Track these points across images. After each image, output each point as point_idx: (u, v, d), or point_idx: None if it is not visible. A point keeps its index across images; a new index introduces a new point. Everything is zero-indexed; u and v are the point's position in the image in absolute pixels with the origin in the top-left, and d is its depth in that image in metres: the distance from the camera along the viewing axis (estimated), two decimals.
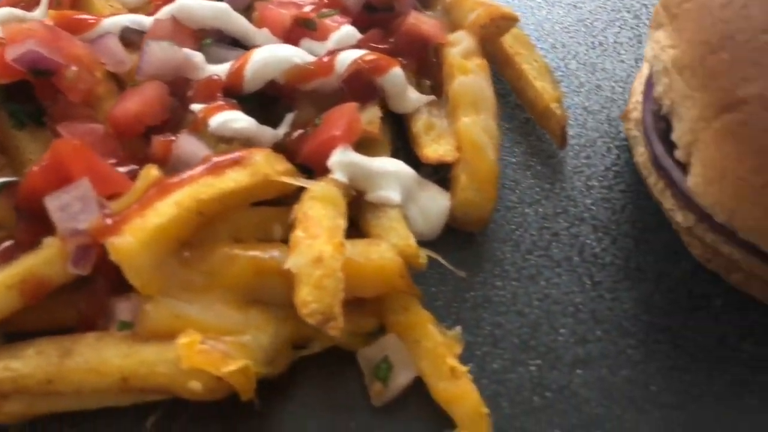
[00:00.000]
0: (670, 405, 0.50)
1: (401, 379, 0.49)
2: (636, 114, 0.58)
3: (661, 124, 0.53)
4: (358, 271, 0.48)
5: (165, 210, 0.46)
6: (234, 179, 0.49)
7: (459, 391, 0.47)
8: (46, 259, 0.46)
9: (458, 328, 0.51)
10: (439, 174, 0.59)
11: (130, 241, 0.44)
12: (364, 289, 0.49)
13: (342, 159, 0.53)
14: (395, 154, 0.59)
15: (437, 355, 0.49)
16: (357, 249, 0.49)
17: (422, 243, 0.55)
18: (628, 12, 0.75)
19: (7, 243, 0.49)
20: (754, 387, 0.50)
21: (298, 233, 0.48)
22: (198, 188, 0.47)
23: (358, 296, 0.50)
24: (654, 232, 0.58)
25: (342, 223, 0.49)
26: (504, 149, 0.64)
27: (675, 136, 0.50)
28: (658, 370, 0.51)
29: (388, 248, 0.49)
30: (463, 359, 0.51)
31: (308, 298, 0.44)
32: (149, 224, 0.45)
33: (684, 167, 0.51)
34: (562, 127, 0.62)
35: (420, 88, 0.62)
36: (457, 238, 0.58)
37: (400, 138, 0.61)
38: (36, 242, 0.47)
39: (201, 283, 0.48)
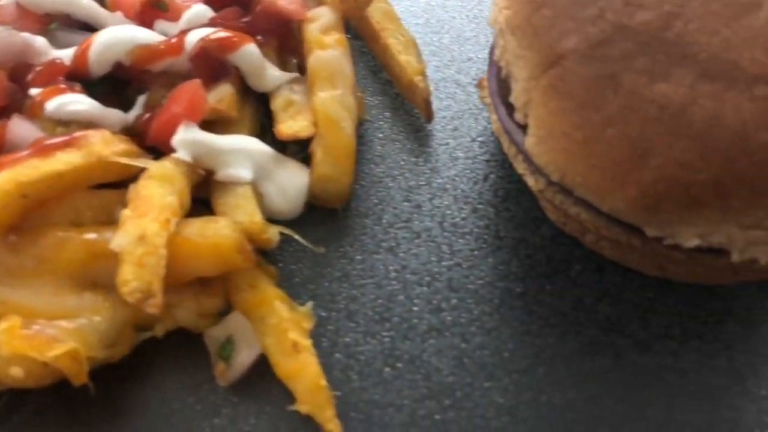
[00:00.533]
0: (520, 370, 0.49)
1: (244, 357, 0.48)
2: (489, 83, 0.57)
3: (503, 87, 0.53)
4: (194, 250, 0.47)
5: None
6: (63, 161, 0.48)
7: (299, 366, 0.47)
8: None
9: (309, 304, 0.51)
10: (305, 152, 0.58)
11: None
12: (202, 268, 0.48)
13: (185, 137, 0.52)
14: (263, 134, 0.58)
15: (281, 331, 0.48)
16: (194, 228, 0.48)
17: (284, 221, 0.55)
18: None
19: None
20: (607, 347, 0.50)
21: (126, 212, 0.47)
22: (20, 170, 0.46)
23: (201, 276, 0.49)
24: (515, 200, 0.58)
25: (174, 201, 0.48)
26: (372, 124, 0.63)
27: (513, 98, 0.50)
28: (510, 336, 0.51)
29: (227, 225, 0.48)
30: (316, 335, 0.51)
31: (129, 277, 0.43)
32: None
33: (525, 129, 0.50)
34: (425, 100, 0.61)
35: (285, 66, 0.62)
36: (319, 215, 0.57)
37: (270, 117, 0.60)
38: None
39: (31, 268, 0.46)
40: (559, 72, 0.45)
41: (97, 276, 0.48)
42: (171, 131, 0.52)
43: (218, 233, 0.48)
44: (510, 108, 0.52)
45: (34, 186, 0.46)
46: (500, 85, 0.53)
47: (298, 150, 0.58)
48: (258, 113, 0.60)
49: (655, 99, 0.42)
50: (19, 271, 0.46)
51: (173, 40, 0.56)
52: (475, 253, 0.55)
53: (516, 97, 0.50)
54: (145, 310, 0.43)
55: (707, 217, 0.43)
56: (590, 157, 0.45)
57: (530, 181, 0.53)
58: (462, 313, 0.52)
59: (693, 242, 0.44)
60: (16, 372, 0.43)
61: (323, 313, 0.52)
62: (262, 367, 0.48)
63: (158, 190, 0.48)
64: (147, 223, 0.45)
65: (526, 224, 0.57)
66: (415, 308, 0.52)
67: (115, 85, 0.58)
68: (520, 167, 0.54)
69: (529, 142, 0.49)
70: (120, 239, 0.45)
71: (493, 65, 0.54)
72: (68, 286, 0.47)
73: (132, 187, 0.49)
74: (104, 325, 0.47)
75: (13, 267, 0.46)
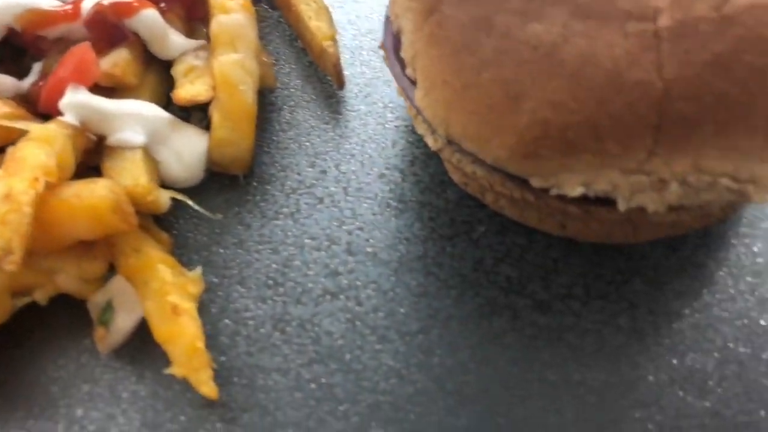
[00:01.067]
0: (413, 331, 0.48)
1: (124, 322, 0.47)
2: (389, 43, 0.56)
3: (397, 44, 0.51)
4: (70, 211, 0.46)
5: None
6: None
7: (177, 329, 0.45)
8: None
9: (198, 269, 0.49)
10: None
11: None
12: (80, 230, 0.47)
13: (72, 100, 0.51)
14: (169, 103, 0.57)
15: (161, 294, 0.46)
16: (71, 190, 0.47)
17: (184, 189, 0.54)
18: None
19: None
20: (505, 308, 0.49)
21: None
22: None
23: (83, 239, 0.48)
24: (422, 164, 0.56)
25: (50, 161, 0.46)
26: (283, 92, 0.62)
27: (402, 53, 0.49)
28: (406, 297, 0.49)
29: (105, 186, 0.47)
30: (206, 300, 0.49)
31: None
32: None
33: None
34: (335, 65, 0.60)
35: (193, 35, 0.60)
36: (220, 182, 0.56)
37: None
38: None
39: None
40: (438, 18, 0.44)
41: None
42: (59, 95, 0.51)
43: (94, 194, 0.46)
44: (403, 64, 0.50)
45: None
46: (395, 42, 0.52)
47: (203, 117, 0.57)
48: (163, 82, 0.59)
49: (528, 39, 0.41)
50: None
51: (69, 7, 0.55)
52: (378, 217, 0.54)
53: (405, 51, 0.48)
54: (27, 276, 0.42)
55: (588, 162, 0.41)
56: (468, 103, 0.43)
57: (429, 141, 0.51)
58: (359, 276, 0.50)
59: (577, 190, 0.42)
60: None
61: (215, 279, 0.51)
62: (145, 332, 0.47)
63: (34, 151, 0.47)
64: (14, 182, 0.44)
65: (432, 188, 0.55)
66: (310, 272, 0.51)
67: (13, 53, 0.57)
68: (420, 127, 0.52)
69: (418, 96, 0.47)
70: None
71: (389, 22, 0.53)
72: None
73: (9, 149, 0.47)
74: None
75: None
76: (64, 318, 0.48)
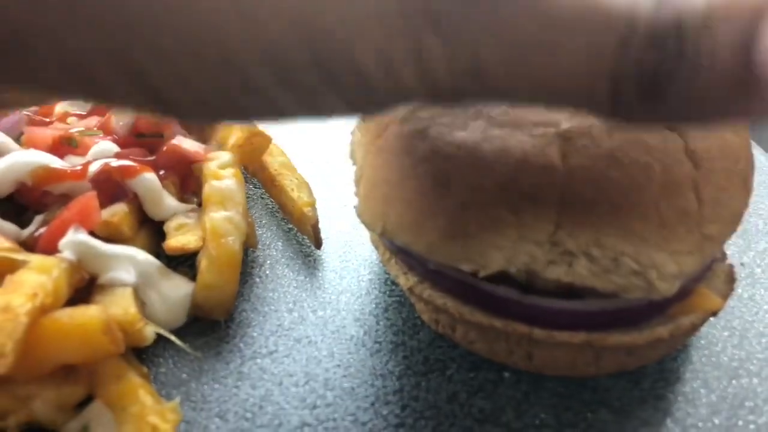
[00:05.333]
0: None
1: None
2: None
3: None
4: (60, 331, 0.47)
5: None
6: None
7: None
8: None
9: (177, 399, 0.49)
10: (194, 272, 0.61)
11: None
12: (68, 351, 0.47)
13: (72, 239, 0.54)
14: (157, 257, 0.61)
15: (141, 417, 0.46)
16: (63, 312, 0.49)
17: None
18: None
19: None
20: None
21: None
22: None
23: (66, 364, 0.48)
24: (395, 310, 0.60)
25: (48, 285, 0.49)
26: (264, 251, 0.67)
27: (353, 178, 0.56)
28: (384, 428, 0.50)
29: (96, 310, 0.49)
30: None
31: None
32: None
33: None
34: (314, 226, 0.66)
35: (185, 201, 0.67)
36: (201, 326, 0.58)
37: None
38: None
39: None
40: (384, 136, 0.52)
41: None
42: (61, 236, 0.55)
43: (85, 315, 0.48)
44: None
45: None
46: None
47: (188, 271, 0.61)
48: (154, 239, 0.64)
49: (454, 141, 0.48)
50: None
51: (78, 167, 0.62)
52: (354, 356, 0.56)
53: (355, 175, 0.55)
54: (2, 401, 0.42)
55: (508, 236, 0.46)
56: (405, 193, 0.49)
57: (402, 280, 0.56)
58: (336, 409, 0.51)
59: (500, 265, 0.47)
60: None
61: (193, 413, 0.50)
62: None
63: (33, 276, 0.49)
64: (13, 297, 0.46)
65: (405, 330, 0.58)
66: (288, 406, 0.51)
67: (16, 210, 0.61)
68: (393, 269, 0.57)
69: (360, 206, 0.53)
70: None
71: None
72: None
73: (8, 277, 0.50)
74: None
75: None
76: None
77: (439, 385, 0.54)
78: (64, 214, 0.56)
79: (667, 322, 0.51)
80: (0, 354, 0.42)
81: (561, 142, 0.45)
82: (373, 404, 0.52)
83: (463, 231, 0.47)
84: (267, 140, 0.70)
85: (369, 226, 0.52)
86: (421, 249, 0.49)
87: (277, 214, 0.72)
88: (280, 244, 0.68)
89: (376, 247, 0.60)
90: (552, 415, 0.51)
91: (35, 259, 0.52)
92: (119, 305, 0.52)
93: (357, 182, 0.56)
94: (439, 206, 0.47)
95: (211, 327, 0.58)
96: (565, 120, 0.46)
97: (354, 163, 0.59)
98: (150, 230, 0.64)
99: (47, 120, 0.71)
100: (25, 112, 0.70)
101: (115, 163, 0.61)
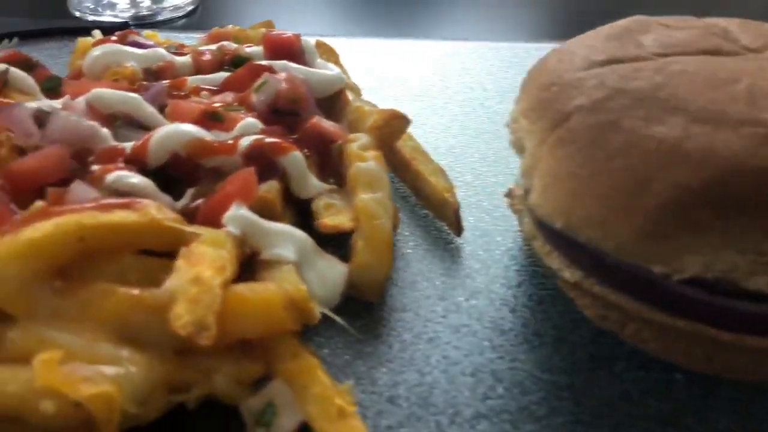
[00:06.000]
0: None
1: (286, 422, 0.45)
2: (519, 191, 0.61)
3: None
4: (242, 304, 0.46)
5: (43, 227, 0.44)
6: (121, 215, 0.48)
7: (347, 430, 0.43)
8: None
9: (350, 382, 0.48)
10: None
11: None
12: (249, 324, 0.47)
13: (236, 214, 0.53)
14: None
15: (325, 398, 0.45)
16: (244, 286, 0.48)
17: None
18: None
19: None
20: None
21: (178, 263, 0.46)
22: (82, 215, 0.46)
23: (245, 337, 0.47)
24: (551, 303, 0.58)
25: (228, 257, 0.48)
26: (403, 238, 0.65)
27: (520, 170, 0.54)
28: (562, 424, 0.48)
29: (275, 286, 0.48)
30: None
31: (182, 312, 0.42)
32: (23, 238, 0.43)
33: None
34: (455, 213, 0.64)
35: (324, 182, 0.65)
36: (355, 307, 0.56)
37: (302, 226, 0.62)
38: None
39: (73, 312, 0.44)
40: (566, 126, 0.50)
41: (136, 331, 0.45)
42: (222, 210, 0.54)
43: (267, 290, 0.47)
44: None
45: (92, 231, 0.46)
46: None
47: (335, 251, 0.59)
48: (297, 218, 0.62)
49: (653, 135, 0.46)
50: (61, 314, 0.44)
51: (230, 141, 0.60)
52: (516, 347, 0.54)
53: (523, 165, 0.54)
54: (197, 343, 0.41)
55: (709, 243, 0.45)
56: (595, 188, 0.47)
57: (566, 274, 0.54)
58: (509, 402, 0.50)
59: (696, 270, 0.45)
60: (47, 406, 0.39)
61: (363, 396, 0.49)
62: None
63: (211, 249, 0.48)
64: (202, 269, 0.45)
65: (564, 325, 0.56)
66: (459, 395, 0.50)
67: (168, 180, 0.60)
68: (555, 262, 0.55)
69: (533, 197, 0.52)
70: (173, 281, 0.44)
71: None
72: (108, 335, 0.44)
73: (183, 250, 0.48)
74: (140, 377, 0.43)
75: (56, 309, 0.44)
76: (212, 423, 0.46)
77: (610, 382, 0.52)
78: (226, 188, 0.55)
79: None
80: (203, 326, 0.41)
81: None
82: (545, 399, 0.50)
83: (662, 232, 0.45)
84: (406, 121, 0.69)
85: (548, 218, 0.50)
86: (608, 247, 0.47)
87: (410, 199, 0.71)
88: (417, 229, 0.67)
89: (531, 240, 0.58)
90: (735, 422, 0.49)
91: (206, 232, 0.50)
92: (288, 282, 0.51)
93: (527, 172, 0.54)
94: (637, 204, 0.45)
95: (365, 309, 0.57)
96: None
97: (518, 152, 0.57)
98: (292, 211, 0.62)
99: (182, 93, 0.70)
100: (163, 83, 0.69)
101: (267, 139, 0.60)
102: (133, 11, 1.20)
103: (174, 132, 0.59)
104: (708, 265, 0.45)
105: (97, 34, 0.86)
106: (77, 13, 1.20)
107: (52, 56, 0.96)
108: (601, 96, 0.51)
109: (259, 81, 0.68)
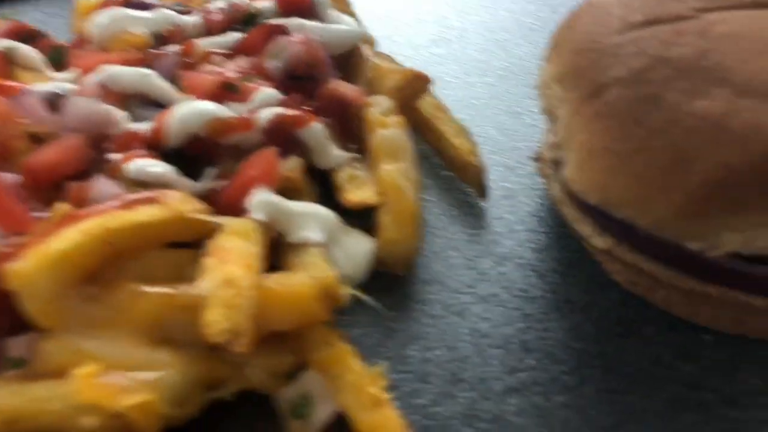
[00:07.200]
0: (608, 426, 0.47)
1: (322, 413, 0.46)
2: (548, 154, 0.60)
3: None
4: (273, 298, 0.47)
5: (70, 236, 0.44)
6: (146, 213, 0.48)
7: (381, 419, 0.44)
8: None
9: (382, 364, 0.49)
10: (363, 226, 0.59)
11: (29, 266, 0.42)
12: (281, 318, 0.47)
13: (260, 199, 0.53)
14: None
15: (359, 387, 0.46)
16: (273, 279, 0.48)
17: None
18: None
19: None
20: (692, 403, 0.48)
21: (208, 261, 0.46)
22: (106, 219, 0.46)
23: (277, 329, 0.48)
24: (579, 266, 0.58)
25: (256, 251, 0.48)
26: (427, 202, 0.65)
27: (553, 139, 0.52)
28: (594, 393, 0.49)
29: (305, 277, 0.48)
30: (390, 396, 0.49)
31: (216, 318, 0.42)
32: (51, 249, 0.43)
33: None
34: (480, 176, 0.63)
35: (344, 149, 0.64)
36: (384, 282, 0.57)
37: (325, 197, 0.62)
38: None
39: (105, 319, 0.45)
40: (603, 98, 0.48)
41: (169, 331, 0.46)
42: (245, 195, 0.53)
43: (296, 281, 0.48)
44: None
45: (119, 234, 0.46)
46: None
47: (356, 222, 0.59)
48: (318, 191, 0.62)
49: (696, 112, 0.45)
50: (94, 322, 0.45)
51: (246, 116, 0.59)
52: (547, 316, 0.55)
53: (557, 134, 0.52)
54: (232, 350, 0.41)
55: (750, 221, 0.44)
56: (634, 166, 0.46)
57: (597, 241, 0.54)
58: (540, 373, 0.51)
59: (734, 247, 0.44)
60: (89, 422, 0.41)
61: (395, 376, 0.50)
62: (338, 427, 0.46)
63: (239, 242, 0.48)
64: (232, 268, 0.45)
65: (593, 289, 0.56)
66: (490, 369, 0.51)
67: (185, 159, 0.60)
68: (586, 230, 0.55)
69: (568, 170, 0.50)
70: (205, 283, 0.44)
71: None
72: (142, 338, 0.46)
73: (210, 243, 0.49)
74: (177, 379, 0.45)
75: (89, 317, 0.45)
76: (248, 414, 0.48)
77: (640, 347, 0.52)
78: (247, 173, 0.55)
79: None
80: (239, 333, 0.41)
81: None
82: (577, 368, 0.51)
83: (702, 211, 0.44)
84: (426, 82, 0.67)
85: (582, 194, 0.50)
86: (646, 223, 0.47)
87: (432, 159, 0.70)
88: (441, 193, 0.66)
89: (560, 205, 0.58)
90: (763, 380, 0.50)
91: (231, 222, 0.50)
92: (317, 267, 0.51)
93: (561, 144, 0.52)
94: (678, 182, 0.44)
95: (395, 283, 0.57)
96: None
97: (550, 119, 0.55)
98: (312, 184, 0.62)
99: (191, 61, 0.68)
100: (173, 50, 0.68)
101: (287, 112, 0.59)
102: None
103: (193, 112, 0.58)
104: (747, 243, 0.45)
105: None
106: None
107: (51, 14, 0.94)
108: (640, 66, 0.48)
109: (275, 46, 0.66)
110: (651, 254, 0.51)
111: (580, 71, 0.51)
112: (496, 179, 0.67)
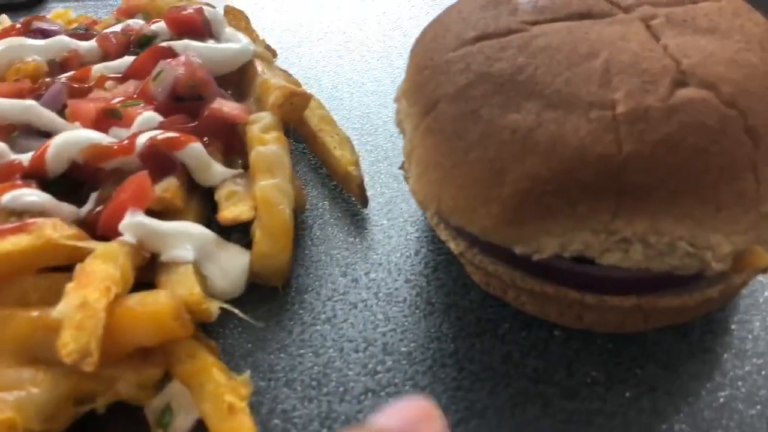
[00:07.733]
0: (453, 423, 0.51)
1: (183, 422, 0.50)
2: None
3: None
4: (133, 319, 0.50)
5: None
6: (12, 242, 0.51)
7: (235, 426, 0.48)
8: None
9: (247, 373, 0.52)
10: (248, 239, 0.62)
11: None
12: (142, 337, 0.50)
13: (131, 221, 0.56)
14: (209, 225, 0.62)
15: (217, 395, 0.49)
16: (135, 299, 0.51)
17: (227, 300, 0.58)
18: None
19: None
20: (536, 397, 0.52)
21: (70, 285, 0.50)
22: None
23: (142, 347, 0.51)
24: (445, 270, 0.62)
25: (117, 274, 0.51)
26: (312, 212, 0.68)
27: (403, 151, 0.56)
28: (444, 391, 0.53)
29: (164, 295, 0.51)
30: (255, 403, 0.52)
31: (68, 340, 0.45)
32: None
33: None
34: (359, 185, 0.67)
35: (231, 165, 0.67)
36: (260, 294, 0.60)
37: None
38: None
39: None
40: (434, 114, 0.52)
41: (38, 350, 0.49)
42: (119, 218, 0.57)
43: (156, 302, 0.51)
44: None
45: None
46: None
47: (242, 237, 0.63)
48: (205, 207, 0.65)
49: (508, 125, 0.48)
50: None
51: (125, 142, 0.62)
52: (409, 318, 0.58)
53: (404, 148, 0.56)
54: (83, 375, 0.45)
55: (563, 225, 0.47)
56: (457, 179, 0.50)
57: (452, 245, 0.57)
58: (396, 374, 0.54)
59: (554, 250, 0.48)
60: None
61: (262, 383, 0.54)
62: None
63: (101, 266, 0.51)
64: (88, 292, 0.48)
65: (456, 291, 0.60)
66: (350, 372, 0.54)
67: (71, 185, 0.63)
68: (443, 234, 0.58)
69: (412, 182, 0.54)
70: (62, 307, 0.47)
71: None
72: (10, 360, 0.49)
73: (78, 266, 0.52)
74: (43, 397, 0.48)
75: None
76: (120, 425, 0.51)
77: (493, 345, 0.56)
78: (120, 197, 0.58)
79: (718, 282, 0.52)
80: (86, 353, 0.45)
81: (618, 126, 0.44)
82: (431, 368, 0.54)
83: (518, 219, 0.47)
84: (306, 99, 0.70)
85: (422, 205, 0.53)
86: (475, 231, 0.50)
87: (321, 170, 0.73)
88: (326, 202, 0.69)
89: (425, 209, 0.61)
90: (602, 372, 0.54)
91: (99, 246, 0.54)
92: (183, 285, 0.54)
93: (408, 156, 0.56)
94: (493, 193, 0.48)
95: (270, 294, 0.60)
96: (622, 101, 0.45)
97: (402, 132, 0.59)
98: (199, 200, 0.65)
99: (86, 86, 0.71)
100: (63, 79, 0.70)
101: (161, 136, 0.62)
102: None
103: (69, 140, 0.61)
104: (564, 245, 0.48)
105: (5, 20, 0.85)
106: None
107: None
108: (465, 82, 0.51)
109: (156, 71, 0.68)
110: (492, 257, 0.54)
111: (418, 87, 0.55)
112: (380, 187, 0.70)
